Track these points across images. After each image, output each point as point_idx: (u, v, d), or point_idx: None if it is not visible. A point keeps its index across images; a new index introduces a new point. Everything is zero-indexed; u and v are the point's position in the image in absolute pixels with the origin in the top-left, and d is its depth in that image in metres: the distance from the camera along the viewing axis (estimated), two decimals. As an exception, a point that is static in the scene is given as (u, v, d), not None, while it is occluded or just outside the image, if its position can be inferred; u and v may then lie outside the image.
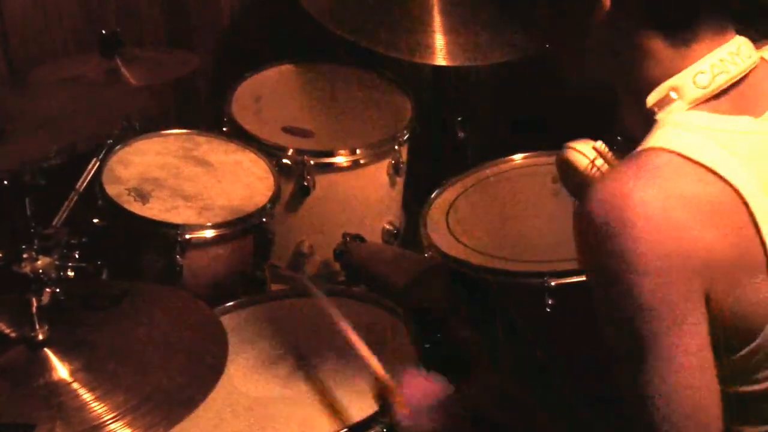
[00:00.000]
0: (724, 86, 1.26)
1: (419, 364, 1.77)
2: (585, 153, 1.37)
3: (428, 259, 2.11)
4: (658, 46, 1.26)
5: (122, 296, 1.81)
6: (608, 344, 1.23)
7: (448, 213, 2.24)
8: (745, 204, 1.20)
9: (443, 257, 2.08)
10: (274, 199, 2.31)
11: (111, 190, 2.23)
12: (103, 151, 2.31)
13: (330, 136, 2.57)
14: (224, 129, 2.52)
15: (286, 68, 2.77)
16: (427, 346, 1.87)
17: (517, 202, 2.27)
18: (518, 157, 2.39)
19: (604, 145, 1.37)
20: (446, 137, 2.87)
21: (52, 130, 1.99)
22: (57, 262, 1.75)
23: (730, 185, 1.19)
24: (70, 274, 1.80)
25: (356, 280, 2.24)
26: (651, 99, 1.27)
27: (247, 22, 3.02)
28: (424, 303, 2.04)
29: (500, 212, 2.24)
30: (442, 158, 2.90)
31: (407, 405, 1.56)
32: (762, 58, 1.32)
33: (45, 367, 1.62)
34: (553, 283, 1.93)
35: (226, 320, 1.97)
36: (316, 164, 2.44)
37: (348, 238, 2.28)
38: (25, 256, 1.70)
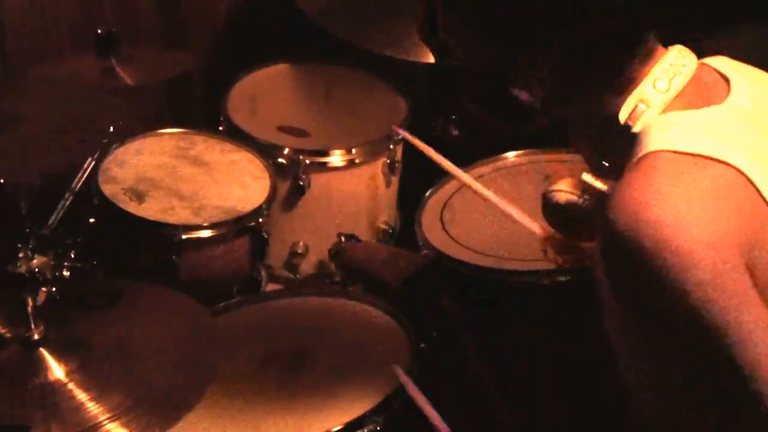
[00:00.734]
0: (681, 87, 1.30)
1: (412, 366, 1.78)
2: (572, 190, 1.38)
3: (423, 258, 2.12)
4: (609, 96, 1.31)
5: (118, 296, 1.81)
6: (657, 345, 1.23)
7: (442, 212, 2.24)
8: (749, 180, 1.22)
9: (438, 256, 2.08)
10: (270, 199, 2.30)
11: (107, 189, 2.23)
12: (99, 151, 2.31)
13: (325, 136, 2.57)
14: (220, 128, 2.52)
15: (282, 68, 2.77)
16: (423, 345, 1.87)
17: (512, 200, 2.27)
18: (512, 155, 2.40)
19: (587, 174, 1.38)
20: (440, 136, 2.86)
21: (47, 132, 1.99)
22: (52, 262, 1.74)
23: (730, 165, 1.22)
24: (66, 273, 1.78)
25: (352, 280, 2.24)
26: (623, 115, 1.29)
27: (242, 22, 3.02)
28: (420, 302, 2.05)
29: (495, 211, 2.23)
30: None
31: None
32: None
33: (40, 367, 1.62)
34: (546, 282, 1.93)
35: (222, 320, 1.98)
36: (311, 163, 2.44)
37: (343, 238, 2.28)
38: (20, 255, 1.69)
